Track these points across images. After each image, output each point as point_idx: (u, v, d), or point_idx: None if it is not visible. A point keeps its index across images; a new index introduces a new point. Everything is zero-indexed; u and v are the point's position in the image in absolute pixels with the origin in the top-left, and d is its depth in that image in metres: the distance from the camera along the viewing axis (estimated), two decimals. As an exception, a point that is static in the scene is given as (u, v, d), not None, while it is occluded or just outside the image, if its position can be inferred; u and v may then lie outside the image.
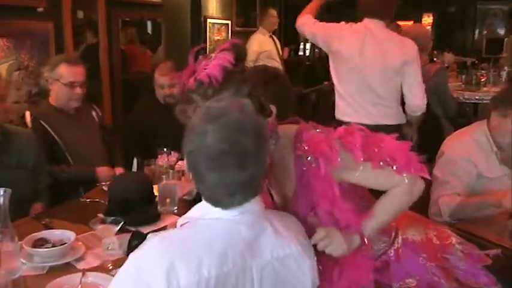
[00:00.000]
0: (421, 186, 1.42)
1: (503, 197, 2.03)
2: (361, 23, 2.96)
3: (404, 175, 1.36)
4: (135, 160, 2.66)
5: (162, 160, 2.63)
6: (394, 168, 1.35)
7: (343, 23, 3.03)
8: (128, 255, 1.66)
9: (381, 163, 1.35)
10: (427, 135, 3.25)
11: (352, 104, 2.99)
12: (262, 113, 1.31)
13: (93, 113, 2.96)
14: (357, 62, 2.91)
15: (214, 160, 1.11)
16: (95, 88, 3.93)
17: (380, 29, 2.92)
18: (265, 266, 1.19)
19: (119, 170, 2.73)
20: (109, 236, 1.72)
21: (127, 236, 1.76)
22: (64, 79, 2.68)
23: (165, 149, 2.68)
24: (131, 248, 1.69)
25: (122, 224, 1.76)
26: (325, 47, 3.06)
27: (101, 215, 2.00)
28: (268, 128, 1.28)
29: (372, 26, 2.92)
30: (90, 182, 2.58)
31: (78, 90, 2.71)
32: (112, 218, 1.78)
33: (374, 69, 2.89)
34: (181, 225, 1.24)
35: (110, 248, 1.69)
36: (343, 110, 3.03)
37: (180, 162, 2.64)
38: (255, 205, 1.22)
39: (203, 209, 1.21)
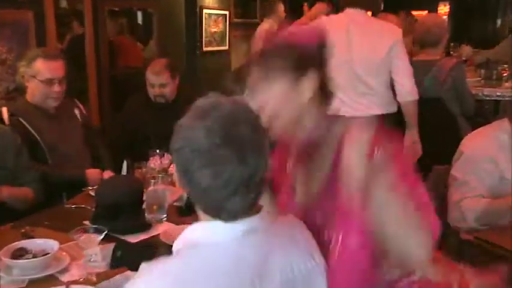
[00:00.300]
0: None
1: None
2: (343, 14, 3.11)
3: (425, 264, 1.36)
4: (125, 162, 2.66)
5: (155, 162, 2.64)
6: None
7: (323, 17, 3.15)
8: (112, 267, 1.65)
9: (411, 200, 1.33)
10: (442, 134, 3.26)
11: (340, 97, 3.07)
12: (323, 94, 1.41)
13: (76, 111, 2.93)
14: (344, 55, 2.99)
15: (206, 154, 1.06)
16: (81, 84, 3.95)
17: (363, 18, 3.10)
18: None
19: (108, 173, 2.73)
20: (92, 246, 1.70)
21: (110, 246, 1.74)
22: (41, 76, 2.64)
23: (157, 151, 2.67)
24: (115, 259, 1.67)
25: (105, 232, 1.74)
26: None
27: (86, 223, 2.00)
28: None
29: (354, 15, 3.06)
30: (77, 186, 2.57)
31: (56, 87, 2.66)
32: (94, 226, 1.77)
33: (363, 60, 3.02)
34: (177, 251, 1.17)
35: (92, 260, 1.67)
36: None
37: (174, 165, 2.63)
38: (258, 221, 1.15)
39: (201, 230, 1.15)
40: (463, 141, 2.41)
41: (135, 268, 1.14)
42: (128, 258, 1.68)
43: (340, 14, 3.11)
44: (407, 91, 3.09)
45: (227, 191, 1.08)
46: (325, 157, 1.44)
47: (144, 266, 1.11)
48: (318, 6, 3.41)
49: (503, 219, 2.10)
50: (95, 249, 1.69)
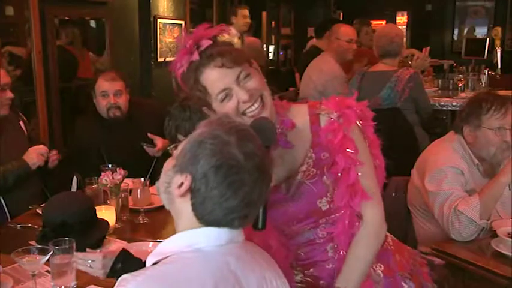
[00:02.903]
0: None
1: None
2: None
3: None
4: (74, 178, 2.61)
5: (106, 178, 2.57)
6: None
7: None
8: (107, 276, 1.60)
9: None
10: (400, 144, 3.33)
11: None
12: None
13: (21, 124, 2.86)
14: None
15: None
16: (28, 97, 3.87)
17: None
18: None
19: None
20: (36, 269, 1.65)
21: (112, 256, 1.65)
22: None
23: (109, 166, 2.61)
24: (113, 270, 1.61)
25: (51, 253, 1.68)
26: None
27: (33, 243, 1.95)
28: None
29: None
30: (23, 177, 2.55)
31: (9, 93, 2.63)
32: (39, 247, 1.72)
33: None
34: (158, 261, 1.20)
35: (90, 266, 1.63)
36: None
37: (126, 180, 2.59)
38: (239, 235, 1.25)
39: (187, 238, 1.20)
40: (425, 156, 2.45)
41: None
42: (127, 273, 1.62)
43: None
44: None
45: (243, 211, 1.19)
46: (302, 131, 1.61)
47: (125, 276, 1.12)
48: None
49: (497, 201, 2.19)
50: (95, 255, 1.65)
